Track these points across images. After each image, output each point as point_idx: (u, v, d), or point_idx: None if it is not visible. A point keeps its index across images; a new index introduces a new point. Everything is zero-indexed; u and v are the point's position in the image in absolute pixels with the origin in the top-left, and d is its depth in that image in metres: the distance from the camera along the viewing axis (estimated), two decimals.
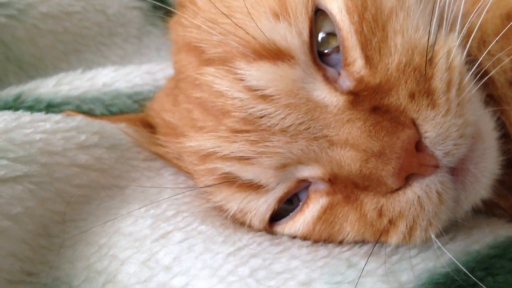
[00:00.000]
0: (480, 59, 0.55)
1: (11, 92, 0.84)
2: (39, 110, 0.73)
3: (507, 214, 0.61)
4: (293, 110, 0.53)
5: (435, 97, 0.52)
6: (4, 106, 0.79)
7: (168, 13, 0.70)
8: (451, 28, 0.56)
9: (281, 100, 0.53)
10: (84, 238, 0.62)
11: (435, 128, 0.51)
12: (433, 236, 0.53)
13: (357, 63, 0.54)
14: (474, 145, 0.53)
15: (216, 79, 0.56)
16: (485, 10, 0.55)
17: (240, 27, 0.55)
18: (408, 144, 0.50)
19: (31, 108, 0.79)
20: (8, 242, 0.58)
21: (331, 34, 0.55)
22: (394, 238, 0.54)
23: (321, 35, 0.55)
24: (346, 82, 0.54)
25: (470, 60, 0.56)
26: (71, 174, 0.66)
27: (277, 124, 0.54)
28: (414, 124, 0.51)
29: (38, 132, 0.65)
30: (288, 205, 0.60)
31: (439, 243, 0.53)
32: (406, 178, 0.51)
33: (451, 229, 0.56)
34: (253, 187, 0.57)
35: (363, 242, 0.58)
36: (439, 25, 0.55)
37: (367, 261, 0.54)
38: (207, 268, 0.55)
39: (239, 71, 0.54)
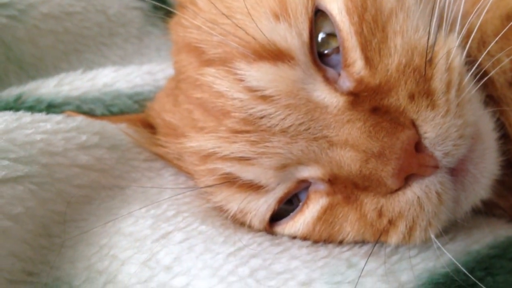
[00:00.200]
0: (480, 59, 0.55)
1: (12, 92, 0.84)
2: (40, 111, 0.74)
3: (507, 214, 0.61)
4: (293, 111, 0.53)
5: (435, 97, 0.52)
6: (5, 106, 0.79)
7: (169, 14, 0.70)
8: (451, 29, 0.56)
9: (281, 100, 0.53)
10: (84, 238, 0.62)
11: (434, 128, 0.51)
12: (432, 236, 0.53)
13: (357, 64, 0.54)
14: (474, 146, 0.53)
15: (216, 80, 0.56)
16: (485, 10, 0.55)
17: (240, 27, 0.55)
18: (408, 144, 0.50)
19: (32, 109, 0.79)
20: (9, 242, 0.58)
21: (331, 35, 0.55)
22: (394, 238, 0.54)
23: (321, 36, 0.55)
24: (346, 83, 0.54)
25: (470, 60, 0.56)
26: (71, 174, 0.66)
27: (277, 124, 0.54)
28: (413, 124, 0.51)
29: (39, 133, 0.65)
30: (288, 206, 0.60)
31: (438, 243, 0.53)
32: (406, 179, 0.51)
33: (451, 229, 0.56)
34: (253, 187, 0.57)
35: (363, 242, 0.58)
36: (439, 26, 0.55)
37: (367, 261, 0.54)
38: (207, 268, 0.56)
39: (239, 72, 0.54)
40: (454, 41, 0.55)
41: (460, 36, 0.55)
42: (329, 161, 0.53)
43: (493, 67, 0.56)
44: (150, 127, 0.75)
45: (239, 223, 0.62)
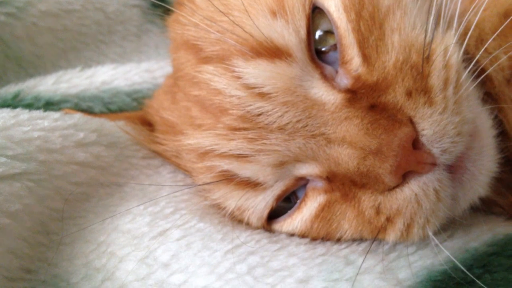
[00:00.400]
0: (477, 56, 0.55)
1: (10, 90, 0.84)
2: (38, 108, 0.73)
3: (505, 212, 0.61)
4: (291, 108, 0.53)
5: (432, 94, 0.52)
6: (2, 104, 0.79)
7: (167, 11, 0.70)
8: (448, 26, 0.56)
9: (279, 98, 0.53)
10: (82, 236, 0.62)
11: (432, 125, 0.51)
12: (430, 233, 0.53)
13: (355, 61, 0.54)
14: (472, 143, 0.53)
15: (214, 77, 0.56)
16: (482, 7, 0.55)
17: (237, 25, 0.55)
18: (405, 141, 0.50)
19: (29, 106, 0.79)
20: (7, 239, 0.58)
21: (328, 32, 0.55)
22: (391, 235, 0.54)
23: (318, 33, 0.55)
24: (344, 80, 0.54)
25: (468, 58, 0.56)
26: (69, 171, 0.66)
27: (274, 122, 0.54)
28: (411, 121, 0.51)
29: (36, 130, 0.65)
30: (286, 203, 0.60)
31: (436, 241, 0.53)
32: (404, 176, 0.51)
33: (449, 226, 0.56)
34: (251, 184, 0.57)
35: (361, 239, 0.58)
36: (436, 23, 0.55)
37: (364, 258, 0.54)
38: (205, 265, 0.56)
39: (236, 69, 0.54)
40: (451, 38, 0.55)
41: (458, 33, 0.55)
42: (327, 158, 0.53)
43: (491, 64, 0.56)
44: (148, 124, 0.75)
45: (237, 220, 0.62)
